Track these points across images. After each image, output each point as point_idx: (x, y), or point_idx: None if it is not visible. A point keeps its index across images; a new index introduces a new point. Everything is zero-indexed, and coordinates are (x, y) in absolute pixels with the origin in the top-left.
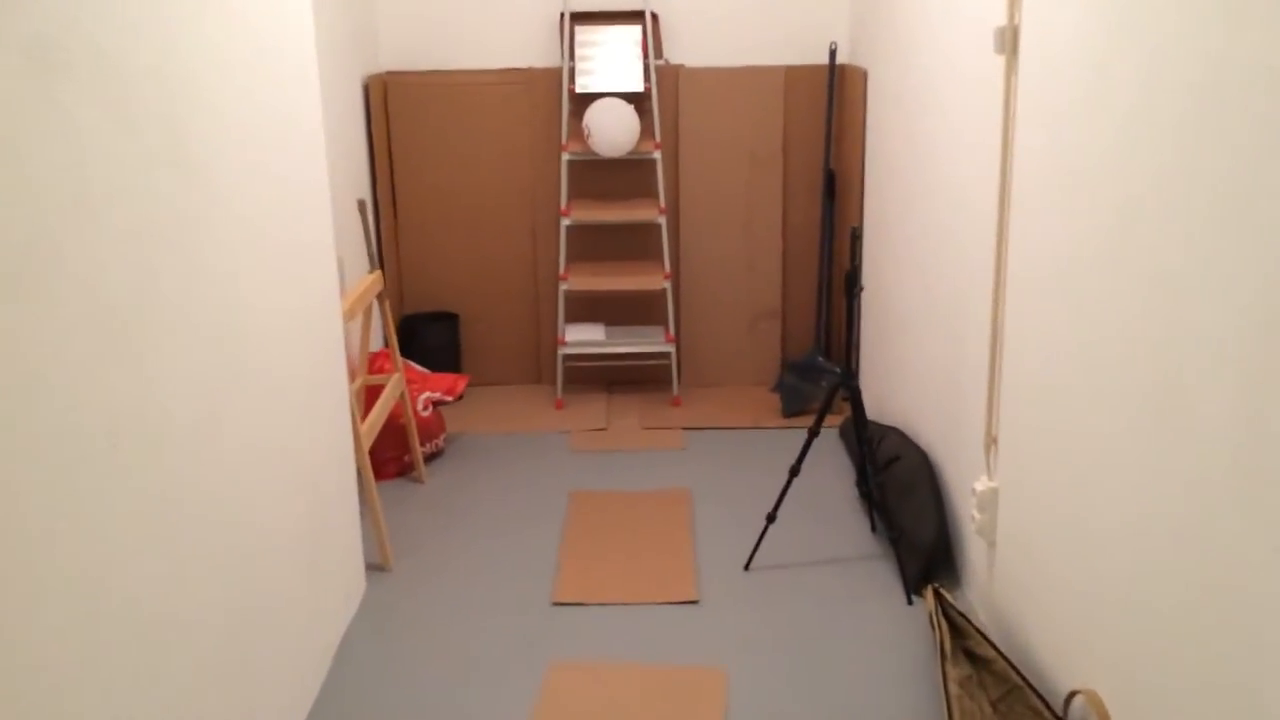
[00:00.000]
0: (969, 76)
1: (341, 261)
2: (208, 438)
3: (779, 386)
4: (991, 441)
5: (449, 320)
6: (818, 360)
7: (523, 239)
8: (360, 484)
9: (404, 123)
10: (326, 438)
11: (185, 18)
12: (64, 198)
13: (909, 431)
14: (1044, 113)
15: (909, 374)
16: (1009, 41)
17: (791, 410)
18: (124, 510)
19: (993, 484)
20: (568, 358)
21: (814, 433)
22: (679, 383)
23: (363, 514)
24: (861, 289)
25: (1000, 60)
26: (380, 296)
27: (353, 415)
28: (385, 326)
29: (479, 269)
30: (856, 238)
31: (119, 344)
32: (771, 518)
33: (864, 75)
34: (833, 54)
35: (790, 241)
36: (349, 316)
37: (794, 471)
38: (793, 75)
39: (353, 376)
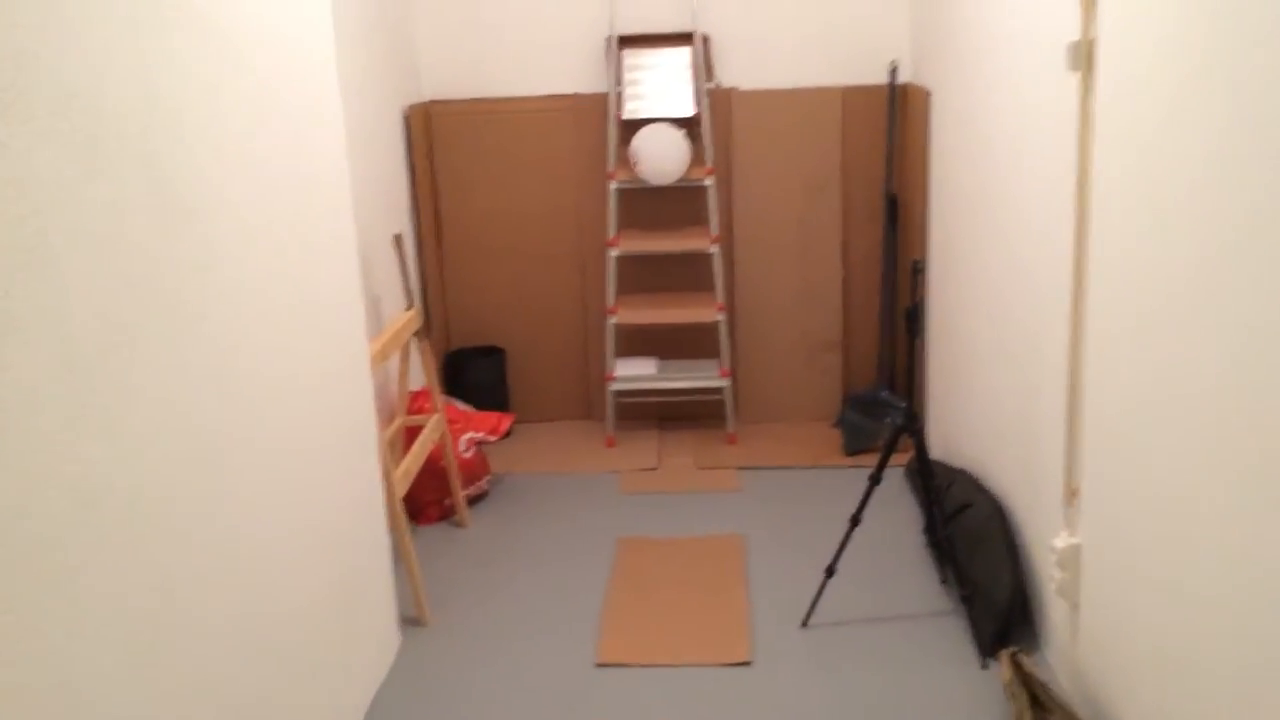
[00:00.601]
0: (1039, 96)
1: (378, 299)
2: (207, 512)
3: (841, 422)
4: (1072, 494)
5: (495, 355)
6: (882, 394)
7: (570, 270)
8: (395, 535)
9: (447, 152)
10: (356, 489)
11: (170, 51)
12: (16, 249)
13: (979, 475)
14: (1124, 137)
15: (978, 415)
16: (1084, 57)
17: (854, 448)
18: (109, 592)
19: (1074, 540)
20: (618, 394)
21: (875, 480)
22: (735, 419)
23: (398, 565)
24: (923, 328)
25: (1074, 78)
26: (419, 334)
27: (385, 465)
28: (425, 365)
29: (525, 302)
30: (918, 271)
31: (90, 410)
32: (831, 571)
33: (926, 95)
34: (893, 73)
35: (851, 270)
36: (382, 357)
37: (855, 521)
38: (851, 96)
39: (391, 417)
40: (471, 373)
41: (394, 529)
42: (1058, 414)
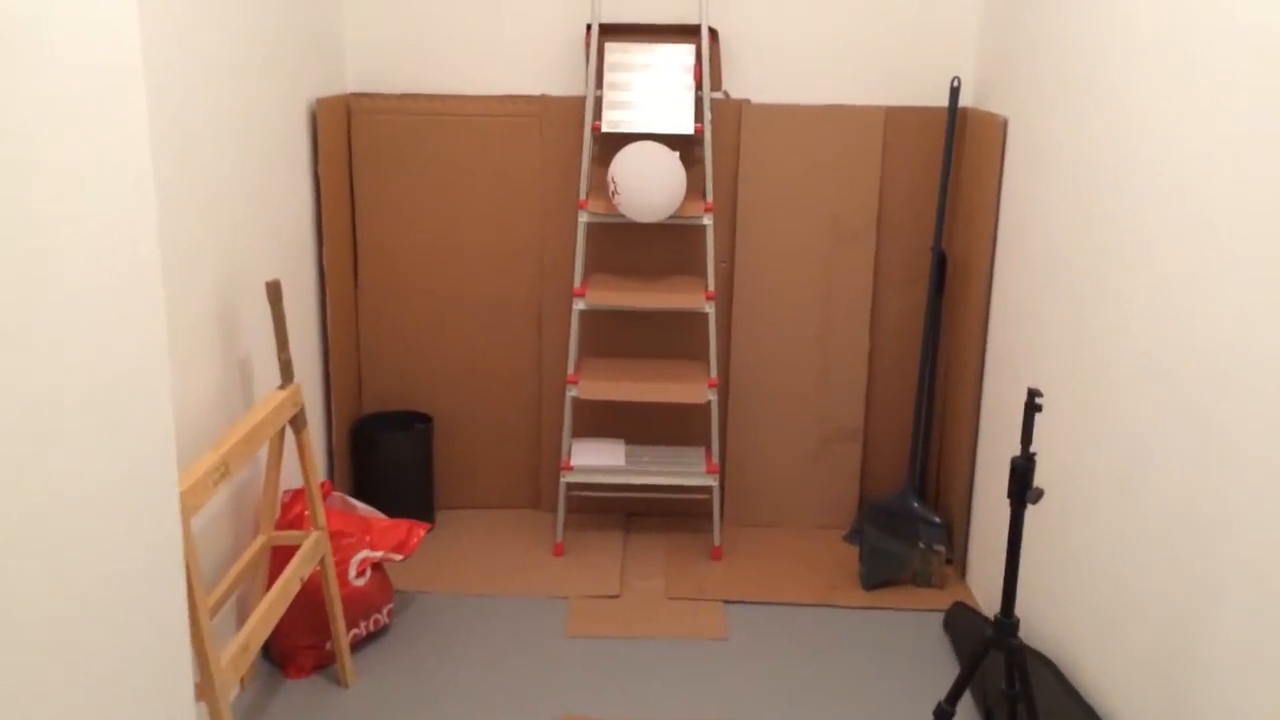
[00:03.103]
0: (1226, 134)
1: (248, 362)
2: None
3: (856, 536)
4: None
5: (420, 424)
6: (912, 505)
7: (524, 322)
8: None
9: (372, 163)
10: (150, 683)
11: None
12: None
13: (1070, 672)
14: None
15: (1075, 589)
16: None
17: (875, 579)
18: None
19: None
20: (574, 486)
21: (944, 715)
22: (722, 523)
23: None
24: (1040, 495)
25: None
26: (296, 421)
27: (205, 651)
28: (303, 461)
29: (463, 360)
30: (1035, 408)
31: None
32: None
33: (1001, 125)
34: (954, 93)
35: (881, 342)
36: (219, 474)
37: None
38: (896, 119)
39: (255, 531)
40: (387, 447)
41: None
42: (1245, 638)
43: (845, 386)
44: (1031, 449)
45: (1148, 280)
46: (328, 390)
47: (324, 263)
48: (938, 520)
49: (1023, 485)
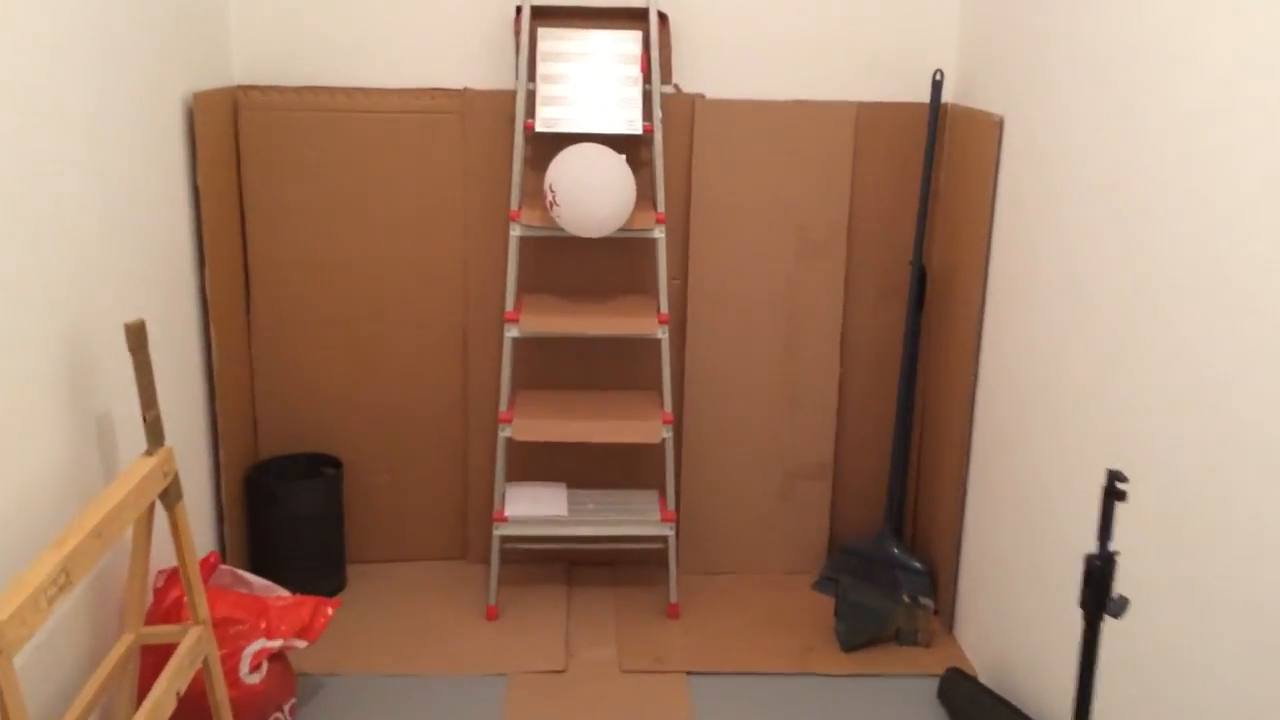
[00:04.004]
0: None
1: (108, 422)
2: None
3: (827, 582)
4: None
5: (327, 468)
6: (891, 549)
7: (447, 350)
8: None
9: (265, 167)
10: None
11: None
12: None
13: None
14: None
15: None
16: None
17: (855, 641)
18: None
19: None
20: (509, 539)
21: None
22: (678, 568)
23: None
24: (1125, 605)
25: None
26: (168, 494)
27: None
28: (178, 542)
29: (377, 393)
30: (1117, 495)
31: None
32: None
33: (996, 124)
34: (936, 87)
35: (853, 366)
36: (72, 567)
37: None
38: (869, 116)
39: (121, 628)
40: (289, 498)
41: None
42: None
43: (814, 416)
44: (1111, 545)
45: (1199, 306)
46: (215, 437)
47: (206, 289)
48: (919, 566)
49: (1101, 591)
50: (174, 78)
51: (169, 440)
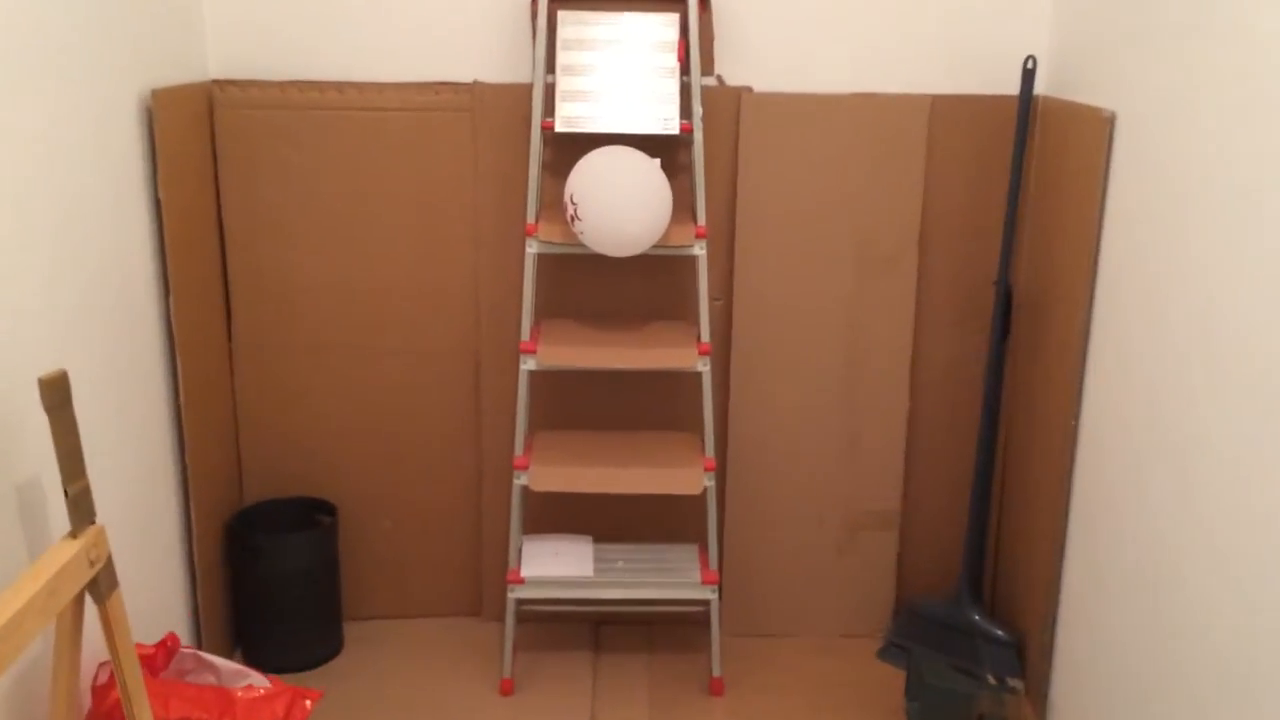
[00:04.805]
0: None
1: (35, 492)
2: None
3: (893, 650)
4: None
5: (321, 515)
6: (971, 616)
7: (457, 382)
8: None
9: (244, 175)
10: None
11: None
12: None
13: None
14: None
15: None
16: None
17: None
18: None
19: None
20: (526, 600)
21: None
22: (723, 640)
23: None
24: None
25: None
26: (98, 586)
27: None
28: (111, 645)
29: (377, 430)
30: None
31: None
32: None
33: (1106, 121)
34: (1028, 77)
35: (924, 401)
36: None
37: None
38: (945, 112)
39: None
40: (276, 553)
41: None
42: None
43: (878, 459)
44: None
45: None
46: (185, 485)
47: (171, 318)
48: (1005, 636)
49: None
50: (127, 72)
51: (131, 497)
